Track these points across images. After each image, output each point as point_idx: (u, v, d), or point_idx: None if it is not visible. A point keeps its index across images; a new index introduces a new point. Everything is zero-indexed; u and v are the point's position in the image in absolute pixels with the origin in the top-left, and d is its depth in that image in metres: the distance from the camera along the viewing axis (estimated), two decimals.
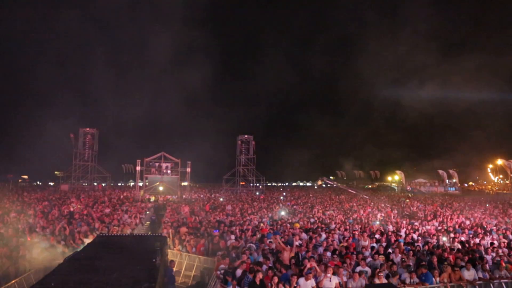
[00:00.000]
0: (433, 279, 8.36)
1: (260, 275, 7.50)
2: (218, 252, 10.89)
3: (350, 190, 44.10)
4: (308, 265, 8.11)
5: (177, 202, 29.57)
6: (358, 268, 8.68)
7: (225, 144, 60.38)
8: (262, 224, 16.26)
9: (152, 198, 33.46)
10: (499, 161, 57.44)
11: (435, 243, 11.90)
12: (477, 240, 12.84)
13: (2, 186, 40.46)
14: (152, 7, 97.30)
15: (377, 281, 7.98)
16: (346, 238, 12.68)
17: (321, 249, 10.61)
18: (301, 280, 7.48)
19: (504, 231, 14.81)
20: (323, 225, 16.25)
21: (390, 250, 10.64)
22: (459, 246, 11.84)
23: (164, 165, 38.08)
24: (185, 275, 11.66)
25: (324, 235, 12.99)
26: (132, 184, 55.64)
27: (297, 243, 11.60)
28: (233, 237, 12.80)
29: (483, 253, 10.75)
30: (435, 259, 9.29)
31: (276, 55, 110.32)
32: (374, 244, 11.71)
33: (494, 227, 16.00)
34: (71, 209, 20.65)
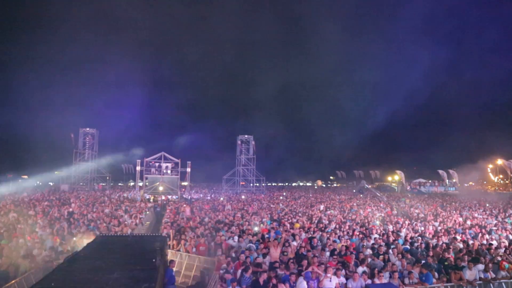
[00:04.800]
0: (433, 279, 8.38)
1: (264, 276, 7.53)
2: (217, 252, 10.91)
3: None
4: (310, 269, 8.08)
5: (177, 202, 29.59)
6: (359, 269, 8.69)
7: (225, 144, 60.45)
8: (262, 225, 16.27)
9: (151, 198, 33.45)
10: (499, 161, 57.44)
11: (434, 243, 11.90)
12: (477, 240, 12.84)
13: (2, 186, 40.36)
14: (153, 9, 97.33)
15: (377, 281, 7.99)
16: (345, 238, 12.69)
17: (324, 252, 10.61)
18: (302, 283, 7.47)
19: (504, 231, 14.81)
20: (321, 225, 16.25)
21: (390, 251, 10.65)
22: (460, 246, 11.85)
23: (164, 165, 38.06)
24: (185, 275, 11.66)
25: (324, 235, 13.01)
26: (132, 184, 55.60)
27: (295, 243, 11.63)
28: (231, 236, 12.83)
29: (484, 253, 10.75)
30: (430, 260, 9.28)
31: (277, 55, 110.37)
32: (373, 243, 11.71)
33: (494, 227, 16.00)
34: (70, 209, 20.67)
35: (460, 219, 19.35)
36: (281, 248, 9.91)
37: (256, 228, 15.19)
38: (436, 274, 8.67)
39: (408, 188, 56.54)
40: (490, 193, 48.10)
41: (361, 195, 41.19)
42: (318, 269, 8.05)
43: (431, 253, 10.16)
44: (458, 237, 13.41)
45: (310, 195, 41.16)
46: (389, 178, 71.11)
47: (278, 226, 15.51)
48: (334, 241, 11.92)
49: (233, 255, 9.96)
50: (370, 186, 53.99)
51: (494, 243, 12.30)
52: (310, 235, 13.06)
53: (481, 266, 8.96)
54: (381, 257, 9.73)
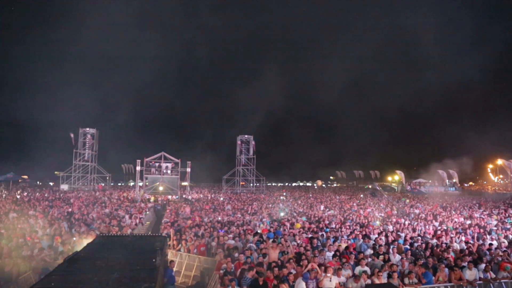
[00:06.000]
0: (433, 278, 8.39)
1: (264, 276, 7.54)
2: (218, 251, 10.91)
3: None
4: (309, 266, 8.09)
5: (178, 202, 29.62)
6: (358, 268, 8.69)
7: (225, 144, 60.41)
8: (262, 225, 16.28)
9: (152, 199, 33.48)
10: (499, 161, 57.38)
11: (434, 243, 11.90)
12: (477, 240, 12.84)
13: (2, 186, 40.41)
14: (151, 10, 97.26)
15: (377, 281, 7.98)
16: (345, 238, 12.71)
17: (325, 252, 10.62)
18: (300, 284, 7.46)
19: (504, 231, 14.82)
20: (321, 224, 16.26)
21: (390, 250, 10.66)
22: (459, 246, 11.86)
23: (164, 165, 38.04)
24: (185, 275, 11.67)
25: (326, 235, 13.03)
26: (132, 184, 55.60)
27: (295, 243, 11.64)
28: (231, 236, 12.84)
29: (484, 253, 10.75)
30: (430, 260, 9.27)
31: (277, 55, 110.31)
32: (373, 243, 11.72)
33: (494, 227, 16.01)
34: (70, 209, 20.69)
35: (461, 219, 19.37)
36: (279, 250, 9.92)
37: (258, 231, 15.20)
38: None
39: (408, 188, 56.46)
40: (490, 193, 48.04)
41: (361, 197, 41.02)
42: (318, 269, 8.06)
43: (427, 253, 10.19)
44: (463, 238, 13.43)
45: (310, 195, 41.16)
46: (389, 178, 71.07)
47: (279, 226, 15.52)
48: (334, 241, 11.93)
49: (236, 255, 9.96)
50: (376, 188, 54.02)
51: (494, 243, 12.31)
52: (310, 235, 13.07)
53: (481, 266, 8.97)
54: (381, 257, 9.74)
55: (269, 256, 9.65)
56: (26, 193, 32.53)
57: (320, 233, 13.65)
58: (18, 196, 28.42)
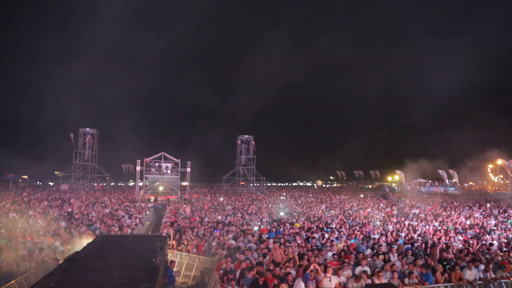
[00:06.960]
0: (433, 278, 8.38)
1: (264, 276, 7.53)
2: (218, 251, 10.90)
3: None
4: (311, 267, 8.08)
5: (178, 202, 29.62)
6: (358, 268, 8.68)
7: (225, 144, 60.45)
8: (262, 225, 16.29)
9: (152, 199, 33.47)
10: (499, 161, 57.33)
11: (433, 243, 11.90)
12: (477, 240, 12.84)
13: (2, 186, 40.37)
14: (150, 8, 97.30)
15: (377, 281, 7.98)
16: (344, 239, 12.70)
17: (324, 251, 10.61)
18: (299, 284, 7.46)
19: (504, 231, 14.82)
20: (321, 224, 16.25)
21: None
22: (460, 246, 11.86)
23: (164, 165, 38.02)
24: (185, 275, 11.67)
25: (326, 235, 13.02)
26: (132, 184, 55.58)
27: (296, 242, 11.63)
28: (230, 236, 12.84)
29: (484, 253, 10.75)
30: (429, 260, 9.26)
31: (276, 54, 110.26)
32: (373, 243, 11.72)
33: (494, 227, 16.00)
34: (70, 209, 20.69)
35: (462, 219, 19.36)
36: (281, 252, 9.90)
37: (255, 228, 15.23)
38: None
39: (408, 188, 56.40)
40: (490, 193, 48.00)
41: (360, 197, 40.80)
42: (319, 268, 8.06)
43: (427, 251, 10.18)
44: (461, 237, 13.42)
45: (310, 195, 41.14)
46: (389, 178, 71.01)
47: (279, 226, 15.52)
48: (333, 241, 11.92)
49: (237, 255, 9.95)
50: (372, 188, 53.87)
51: (495, 243, 12.31)
52: (310, 235, 13.07)
53: (481, 266, 8.97)
54: (381, 257, 9.73)
55: (274, 256, 9.59)
56: (26, 193, 32.50)
57: (319, 233, 13.64)
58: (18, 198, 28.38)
